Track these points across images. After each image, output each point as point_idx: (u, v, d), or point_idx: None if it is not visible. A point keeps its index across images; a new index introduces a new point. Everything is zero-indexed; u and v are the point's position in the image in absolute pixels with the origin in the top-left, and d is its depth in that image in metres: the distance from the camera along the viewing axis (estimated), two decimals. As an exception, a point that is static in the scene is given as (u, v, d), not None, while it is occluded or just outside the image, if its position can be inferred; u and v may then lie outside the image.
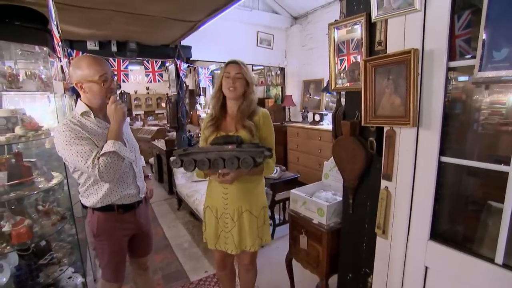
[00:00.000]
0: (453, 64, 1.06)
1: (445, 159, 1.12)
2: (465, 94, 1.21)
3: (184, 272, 2.57)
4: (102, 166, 1.29)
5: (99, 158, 1.30)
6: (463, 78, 1.19)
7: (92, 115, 1.43)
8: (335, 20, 1.54)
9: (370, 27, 1.32)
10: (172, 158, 1.59)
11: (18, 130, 1.74)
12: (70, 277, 2.05)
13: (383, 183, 1.31)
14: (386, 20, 1.23)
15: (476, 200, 1.25)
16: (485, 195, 1.20)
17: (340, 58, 1.54)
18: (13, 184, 1.71)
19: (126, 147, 1.42)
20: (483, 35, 0.91)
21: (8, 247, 1.63)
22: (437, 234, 1.19)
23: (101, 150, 1.33)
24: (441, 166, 1.14)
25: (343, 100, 1.59)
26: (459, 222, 1.26)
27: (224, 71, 1.54)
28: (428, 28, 1.07)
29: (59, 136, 1.31)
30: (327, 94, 4.57)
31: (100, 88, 1.38)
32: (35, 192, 1.80)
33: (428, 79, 1.10)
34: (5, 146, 1.81)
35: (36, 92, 1.90)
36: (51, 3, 1.62)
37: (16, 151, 1.92)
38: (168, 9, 2.80)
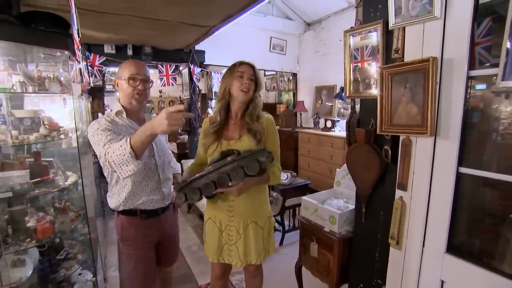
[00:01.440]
0: (474, 72, 1.04)
1: (463, 169, 1.09)
2: (484, 103, 1.18)
3: (193, 275, 2.58)
4: (109, 152, 1.16)
5: (111, 143, 1.20)
6: (480, 87, 1.16)
7: (125, 115, 1.44)
8: (351, 27, 1.53)
9: (387, 34, 1.31)
10: (174, 194, 1.49)
11: (42, 130, 1.81)
12: (80, 274, 2.09)
13: (398, 192, 1.28)
14: (404, 28, 1.22)
15: (495, 213, 1.21)
16: (504, 208, 1.15)
17: (354, 64, 1.53)
18: (35, 182, 1.76)
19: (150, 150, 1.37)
20: (507, 43, 0.89)
21: (34, 241, 1.68)
22: (454, 247, 1.16)
23: (118, 138, 1.23)
24: (459, 177, 1.11)
25: (357, 107, 1.57)
26: (477, 235, 1.22)
27: (237, 71, 1.43)
28: (448, 36, 1.06)
29: (90, 130, 1.33)
30: (340, 100, 4.54)
31: (127, 86, 1.40)
32: (56, 190, 1.86)
33: (447, 87, 1.08)
34: (25, 145, 1.88)
35: (55, 94, 1.96)
36: (73, 9, 1.67)
37: (35, 150, 1.98)
38: (184, 14, 2.86)
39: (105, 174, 1.46)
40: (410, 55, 1.19)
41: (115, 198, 1.44)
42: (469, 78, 1.05)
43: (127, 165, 1.13)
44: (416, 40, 1.17)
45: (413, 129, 1.17)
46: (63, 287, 1.91)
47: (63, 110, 2.19)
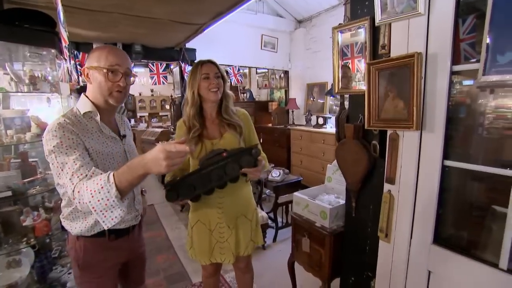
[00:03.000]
0: (457, 68, 1.06)
1: (449, 163, 1.12)
2: (470, 98, 1.21)
3: (186, 273, 2.57)
4: (82, 194, 0.90)
5: (83, 181, 0.92)
6: (467, 82, 1.19)
7: (98, 118, 1.14)
8: (339, 24, 1.54)
9: (374, 30, 1.33)
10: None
11: (34, 129, 1.78)
12: (70, 272, 2.05)
13: (386, 186, 1.31)
14: (390, 24, 1.24)
15: (480, 204, 1.24)
16: (489, 199, 1.19)
17: (344, 61, 1.55)
18: (28, 182, 1.76)
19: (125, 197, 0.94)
20: (487, 39, 0.91)
21: (32, 240, 1.67)
22: (441, 238, 1.19)
23: (91, 171, 0.95)
24: (444, 170, 1.14)
25: (346, 103, 1.59)
26: (462, 226, 1.25)
27: (200, 73, 1.41)
28: (431, 32, 1.08)
29: (48, 142, 1.00)
30: (331, 97, 4.57)
31: (104, 80, 1.08)
32: (51, 188, 1.84)
33: (431, 82, 1.11)
34: (12, 146, 1.85)
35: (45, 94, 1.94)
36: (59, 6, 1.65)
37: (22, 150, 1.96)
38: (174, 11, 2.84)
39: (60, 191, 1.14)
40: (396, 50, 1.21)
41: (79, 222, 1.14)
42: (453, 73, 1.07)
43: (111, 211, 0.89)
44: (401, 36, 1.20)
45: (399, 123, 1.19)
46: (55, 286, 1.90)
47: (49, 110, 2.16)
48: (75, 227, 1.15)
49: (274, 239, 3.07)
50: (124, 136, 1.28)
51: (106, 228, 0.91)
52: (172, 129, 5.97)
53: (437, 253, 1.16)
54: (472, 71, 1.08)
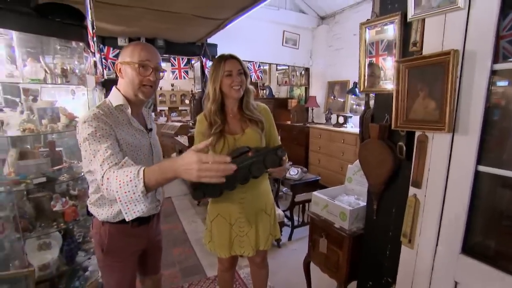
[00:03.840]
0: (498, 66, 0.99)
1: (482, 168, 1.05)
2: (505, 100, 1.13)
3: (202, 267, 2.61)
4: (111, 181, 0.93)
5: (113, 169, 0.96)
6: (502, 83, 1.11)
7: (129, 110, 1.20)
8: (367, 20, 1.48)
9: (405, 27, 1.26)
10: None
11: (64, 120, 1.86)
12: (89, 258, 2.13)
13: (412, 190, 1.25)
14: (424, 20, 1.17)
15: (515, 214, 1.16)
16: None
17: (369, 59, 1.49)
18: (57, 169, 1.86)
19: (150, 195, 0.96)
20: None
21: (62, 224, 1.79)
22: (470, 248, 1.12)
23: (124, 160, 0.99)
24: (477, 176, 1.07)
25: (371, 102, 1.53)
26: (494, 236, 1.18)
27: (223, 69, 1.38)
28: (471, 27, 1.01)
29: (83, 131, 1.06)
30: (353, 96, 4.45)
31: (135, 74, 1.14)
32: (79, 176, 1.94)
33: (468, 82, 1.04)
34: (42, 135, 1.93)
35: (74, 86, 2.00)
36: (88, 0, 1.69)
37: (50, 140, 2.03)
38: (196, 6, 2.85)
39: (88, 178, 1.22)
40: (429, 48, 1.15)
41: (105, 209, 1.21)
42: (493, 72, 1.00)
43: (135, 205, 0.91)
44: (436, 32, 1.13)
45: (430, 125, 1.13)
46: (78, 270, 1.98)
47: (74, 101, 2.24)
48: (101, 213, 1.21)
49: (290, 238, 3.04)
50: (151, 129, 1.34)
51: (127, 219, 0.93)
52: (191, 124, 6.05)
53: (466, 263, 1.10)
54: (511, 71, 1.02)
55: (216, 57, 1.48)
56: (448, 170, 1.13)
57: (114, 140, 1.07)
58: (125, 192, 0.88)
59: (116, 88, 1.22)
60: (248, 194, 1.49)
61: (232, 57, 1.42)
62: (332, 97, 5.00)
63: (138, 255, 1.38)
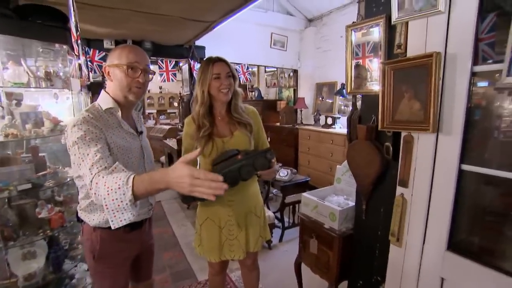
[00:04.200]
0: (478, 68, 1.02)
1: (465, 167, 1.08)
2: (486, 100, 1.16)
3: (192, 271, 2.58)
4: (99, 186, 0.90)
5: (102, 174, 0.93)
6: (483, 84, 1.15)
7: (119, 113, 1.18)
8: (353, 22, 1.51)
9: (390, 29, 1.29)
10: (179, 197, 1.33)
11: (48, 124, 1.80)
12: (75, 266, 2.09)
13: (399, 189, 1.28)
14: (407, 23, 1.20)
15: (497, 210, 1.20)
16: (506, 205, 1.15)
17: (356, 61, 1.52)
18: (42, 175, 1.80)
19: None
20: (512, 39, 0.87)
21: (48, 231, 1.74)
22: (455, 244, 1.15)
23: (114, 165, 0.97)
24: (461, 174, 1.10)
25: (359, 103, 1.56)
26: (479, 233, 1.21)
27: (211, 72, 1.37)
28: (452, 30, 1.04)
29: (72, 135, 1.04)
30: (341, 97, 4.51)
31: (124, 76, 1.13)
32: (65, 181, 1.90)
33: (450, 83, 1.07)
34: (24, 141, 1.87)
35: (57, 89, 1.96)
36: (71, 2, 1.65)
37: (33, 145, 1.97)
38: (184, 8, 2.83)
39: (78, 184, 1.19)
40: (413, 50, 1.18)
41: (97, 214, 1.17)
42: (473, 74, 1.03)
43: (122, 213, 0.88)
44: (419, 35, 1.16)
45: (415, 125, 1.16)
46: (64, 278, 1.93)
47: (58, 105, 2.18)
48: (93, 219, 1.18)
49: (281, 239, 3.05)
50: (141, 132, 1.33)
51: (113, 227, 0.89)
52: (180, 126, 5.99)
53: (452, 260, 1.13)
54: (490, 73, 1.05)
55: (204, 59, 1.46)
56: (433, 169, 1.16)
57: (104, 144, 1.05)
58: (112, 200, 0.85)
59: (105, 91, 1.20)
60: (237, 196, 1.48)
61: (220, 60, 1.41)
62: (320, 99, 5.05)
63: (131, 260, 1.35)
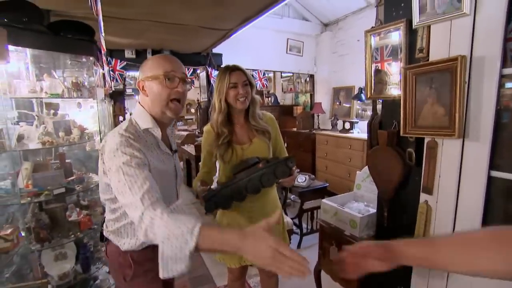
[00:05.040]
0: (508, 71, 0.98)
1: (495, 173, 1.04)
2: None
3: (211, 276, 2.59)
4: (154, 226, 0.82)
5: (161, 209, 0.84)
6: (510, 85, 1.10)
7: (159, 134, 1.09)
8: (372, 27, 1.49)
9: (410, 33, 1.27)
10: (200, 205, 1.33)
11: (76, 132, 1.90)
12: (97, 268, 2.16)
13: (423, 196, 1.24)
14: (429, 26, 1.18)
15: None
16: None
17: (375, 64, 1.50)
18: (70, 181, 1.90)
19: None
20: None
21: (78, 233, 1.82)
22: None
23: (175, 205, 0.92)
24: (490, 181, 1.05)
25: (379, 108, 1.53)
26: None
27: (228, 81, 1.39)
28: (478, 33, 1.01)
29: (116, 159, 0.95)
30: (358, 101, 4.44)
31: (162, 88, 1.02)
32: (92, 186, 1.98)
33: (476, 87, 1.03)
34: (53, 148, 1.97)
35: (85, 98, 2.06)
36: (101, 17, 1.74)
37: (60, 152, 2.07)
38: (202, 17, 2.91)
39: (108, 206, 1.10)
40: (436, 54, 1.15)
41: (129, 239, 1.07)
42: (502, 76, 1.00)
43: (176, 263, 0.77)
44: (442, 39, 1.13)
45: (439, 131, 1.13)
46: (89, 280, 2.00)
47: (82, 114, 2.28)
48: (123, 243, 1.09)
49: (299, 245, 3.01)
50: (176, 151, 1.24)
51: (161, 277, 0.78)
52: (197, 133, 6.09)
53: (482, 271, 1.08)
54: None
55: (221, 68, 1.48)
56: (460, 176, 1.12)
57: (148, 170, 0.97)
58: (171, 246, 0.76)
59: (140, 104, 1.10)
60: (257, 203, 1.49)
61: (237, 69, 1.42)
62: (337, 103, 5.00)
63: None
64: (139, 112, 1.08)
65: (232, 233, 0.78)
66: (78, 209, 1.90)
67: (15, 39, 1.51)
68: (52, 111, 1.92)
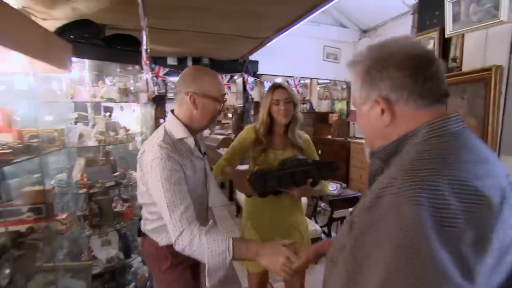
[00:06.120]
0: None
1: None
2: None
3: (237, 277, 2.66)
4: (193, 245, 0.99)
5: (199, 235, 0.99)
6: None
7: (193, 143, 1.16)
8: (405, 36, 1.47)
9: (444, 42, 1.24)
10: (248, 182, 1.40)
11: (122, 132, 2.12)
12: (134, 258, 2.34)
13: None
14: (463, 35, 1.14)
15: None
16: None
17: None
18: (116, 175, 2.12)
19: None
20: None
21: (122, 223, 2.07)
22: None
23: (209, 226, 1.03)
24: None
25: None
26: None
27: (271, 98, 1.53)
28: (514, 43, 0.97)
29: (156, 166, 1.03)
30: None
31: (214, 109, 1.14)
32: (134, 182, 2.16)
33: (513, 99, 0.98)
34: (101, 147, 2.20)
35: (125, 102, 2.28)
36: (144, 31, 1.94)
37: (106, 150, 2.30)
38: (240, 27, 3.04)
39: (146, 209, 1.20)
40: (470, 63, 1.11)
41: (166, 236, 1.15)
42: (542, 88, 0.94)
43: (217, 272, 0.99)
44: (477, 48, 1.09)
45: (471, 143, 1.08)
46: (126, 266, 2.20)
47: (124, 116, 2.52)
48: (161, 239, 1.19)
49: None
50: (205, 153, 1.33)
51: (208, 285, 1.00)
52: (233, 137, 6.27)
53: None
54: None
55: (270, 85, 1.62)
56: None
57: (185, 183, 1.08)
58: (216, 262, 0.97)
59: (174, 115, 1.16)
60: (283, 211, 1.55)
61: (281, 87, 1.55)
62: (375, 112, 4.84)
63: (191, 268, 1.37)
64: (173, 122, 1.15)
65: (254, 243, 1.05)
66: (121, 201, 2.10)
67: (78, 51, 1.77)
68: (108, 113, 2.21)
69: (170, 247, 1.16)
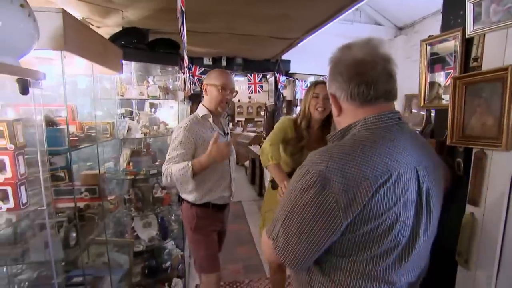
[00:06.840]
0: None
1: (548, 189, 0.98)
2: None
3: (262, 267, 2.81)
4: (165, 173, 1.54)
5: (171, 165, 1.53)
6: None
7: (211, 119, 1.67)
8: (429, 36, 1.50)
9: (466, 42, 1.26)
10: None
11: (162, 127, 2.38)
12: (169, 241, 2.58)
13: (468, 207, 1.21)
14: (484, 35, 1.16)
15: None
16: None
17: (430, 74, 1.50)
18: (156, 165, 2.38)
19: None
20: None
21: (161, 207, 2.35)
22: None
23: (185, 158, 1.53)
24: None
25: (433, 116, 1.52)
26: None
27: (312, 92, 1.63)
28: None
29: (177, 132, 1.58)
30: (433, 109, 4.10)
31: (217, 94, 1.61)
32: None
33: (529, 98, 1.00)
34: (142, 139, 2.46)
35: (166, 100, 2.52)
36: (185, 35, 2.16)
37: (147, 142, 2.57)
38: (272, 29, 3.18)
39: None
40: (490, 63, 1.13)
41: (195, 194, 1.65)
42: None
43: (187, 184, 1.60)
44: (497, 48, 1.11)
45: (487, 141, 1.10)
46: (162, 248, 2.44)
47: (162, 112, 2.76)
48: (190, 197, 1.68)
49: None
50: (228, 133, 1.84)
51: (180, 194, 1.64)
52: (264, 135, 6.42)
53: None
54: None
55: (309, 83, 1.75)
56: (510, 190, 1.07)
57: (189, 148, 1.58)
58: (180, 174, 1.48)
59: (202, 104, 1.71)
60: None
61: (322, 83, 1.67)
62: (409, 111, 4.69)
63: (216, 234, 1.77)
64: (200, 107, 1.71)
65: (205, 154, 1.49)
66: (160, 188, 2.35)
67: (126, 55, 2.03)
68: (153, 109, 2.53)
69: (197, 209, 1.67)
